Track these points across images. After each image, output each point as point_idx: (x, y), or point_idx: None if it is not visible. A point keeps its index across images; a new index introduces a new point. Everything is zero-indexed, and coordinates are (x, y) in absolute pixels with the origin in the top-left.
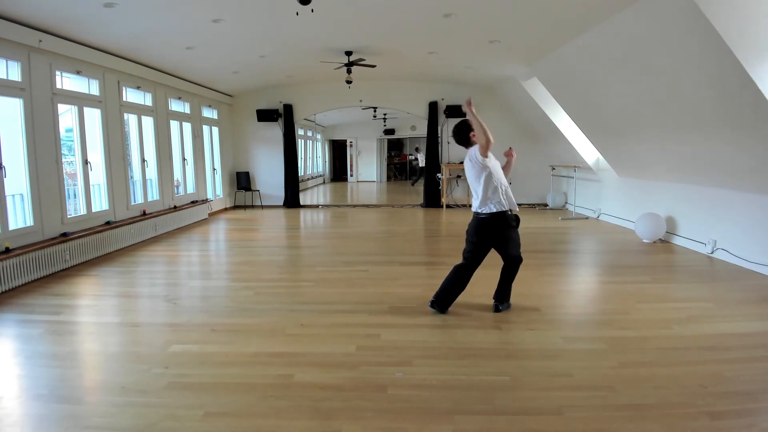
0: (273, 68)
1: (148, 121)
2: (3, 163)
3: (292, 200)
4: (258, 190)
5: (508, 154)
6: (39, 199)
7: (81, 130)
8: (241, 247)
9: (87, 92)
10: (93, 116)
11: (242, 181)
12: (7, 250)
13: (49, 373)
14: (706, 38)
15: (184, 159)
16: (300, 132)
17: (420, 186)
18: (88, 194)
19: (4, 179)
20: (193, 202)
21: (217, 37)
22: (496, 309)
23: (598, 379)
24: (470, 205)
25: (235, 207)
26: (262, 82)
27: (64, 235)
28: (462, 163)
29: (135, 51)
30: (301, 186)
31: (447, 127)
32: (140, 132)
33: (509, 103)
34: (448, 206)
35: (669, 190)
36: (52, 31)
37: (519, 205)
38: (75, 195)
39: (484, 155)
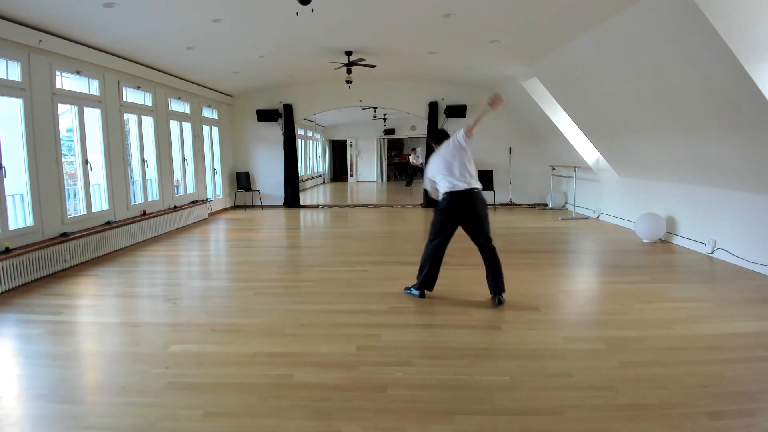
0: (273, 68)
1: (148, 121)
2: (3, 163)
3: (292, 200)
4: (258, 190)
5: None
6: (39, 199)
7: (81, 130)
8: (241, 247)
9: (87, 92)
10: (93, 116)
11: (242, 181)
12: (7, 250)
13: (49, 373)
14: (706, 38)
15: (184, 159)
16: (300, 132)
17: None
18: (88, 194)
19: (4, 179)
20: (193, 202)
21: (217, 37)
22: (499, 302)
23: (598, 379)
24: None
25: (235, 207)
26: (262, 82)
27: (64, 235)
28: None
29: (135, 51)
30: (301, 186)
31: (447, 127)
32: (140, 132)
33: (509, 103)
34: None
35: (669, 190)
36: (52, 31)
37: (519, 204)
38: (75, 195)
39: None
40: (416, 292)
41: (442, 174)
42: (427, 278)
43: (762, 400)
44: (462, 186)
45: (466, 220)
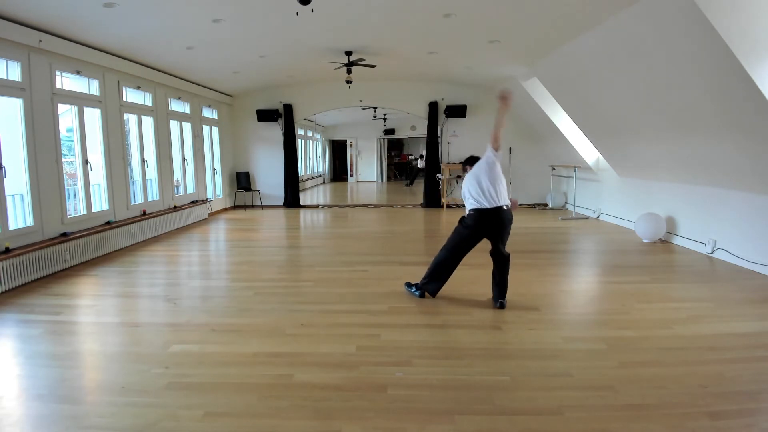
0: (273, 68)
1: (148, 121)
2: (3, 163)
3: (292, 200)
4: (258, 190)
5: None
6: (39, 199)
7: (81, 130)
8: (241, 247)
9: (87, 92)
10: (93, 116)
11: (242, 181)
12: (7, 250)
13: (49, 373)
14: (707, 38)
15: (184, 159)
16: (300, 132)
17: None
18: (88, 194)
19: (4, 179)
20: (193, 202)
21: (217, 37)
22: (501, 306)
23: (598, 379)
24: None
25: (235, 207)
26: (262, 82)
27: (64, 235)
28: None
29: (135, 51)
30: (301, 186)
31: (447, 127)
32: (140, 132)
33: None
34: (448, 206)
35: (669, 190)
36: (52, 31)
37: (519, 204)
38: (75, 195)
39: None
40: (417, 293)
41: (472, 190)
42: (432, 285)
43: (762, 400)
44: (489, 204)
45: (490, 234)
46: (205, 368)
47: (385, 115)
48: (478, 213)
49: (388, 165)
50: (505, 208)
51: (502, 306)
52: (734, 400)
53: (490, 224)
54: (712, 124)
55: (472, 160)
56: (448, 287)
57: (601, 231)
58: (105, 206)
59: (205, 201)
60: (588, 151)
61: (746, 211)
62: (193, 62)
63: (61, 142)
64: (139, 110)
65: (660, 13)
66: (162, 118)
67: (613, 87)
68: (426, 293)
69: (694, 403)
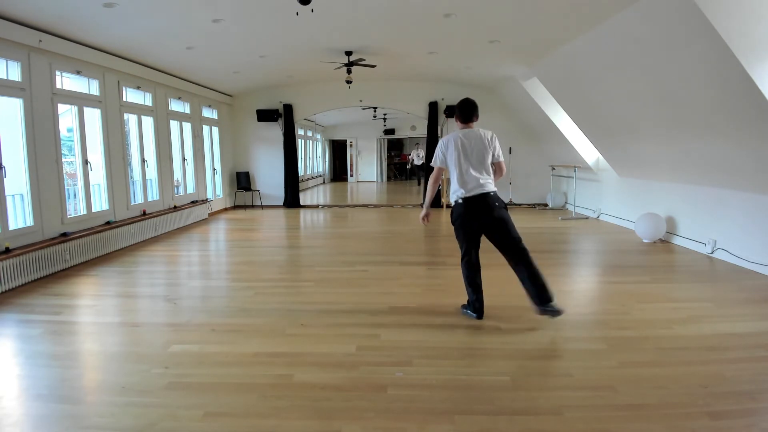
0: (273, 68)
1: (148, 121)
2: (3, 163)
3: (292, 200)
4: (258, 190)
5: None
6: (39, 199)
7: (81, 130)
8: (241, 247)
9: (87, 92)
10: (93, 116)
11: (242, 181)
12: (7, 250)
13: (49, 373)
14: (706, 38)
15: (184, 159)
16: (300, 132)
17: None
18: (88, 194)
19: (4, 179)
20: (193, 202)
21: (217, 37)
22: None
23: (598, 379)
24: None
25: (235, 207)
26: (262, 82)
27: (64, 235)
28: None
29: (135, 51)
30: (301, 186)
31: (447, 127)
32: (140, 132)
33: (509, 103)
34: (448, 206)
35: (669, 190)
36: (52, 31)
37: (519, 205)
38: (75, 195)
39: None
40: (473, 314)
41: (464, 170)
42: (476, 298)
43: (762, 400)
44: (480, 191)
45: (488, 227)
46: (205, 368)
47: (385, 115)
48: (465, 202)
49: (388, 165)
50: (491, 194)
51: (553, 314)
52: (734, 400)
53: (480, 211)
54: (711, 124)
55: (472, 112)
56: (449, 287)
57: (601, 231)
58: (105, 206)
59: (205, 201)
60: (588, 151)
61: (746, 210)
62: (193, 62)
63: (61, 142)
64: (139, 110)
65: (660, 13)
66: (162, 118)
67: (613, 87)
68: (481, 312)
69: (694, 403)
